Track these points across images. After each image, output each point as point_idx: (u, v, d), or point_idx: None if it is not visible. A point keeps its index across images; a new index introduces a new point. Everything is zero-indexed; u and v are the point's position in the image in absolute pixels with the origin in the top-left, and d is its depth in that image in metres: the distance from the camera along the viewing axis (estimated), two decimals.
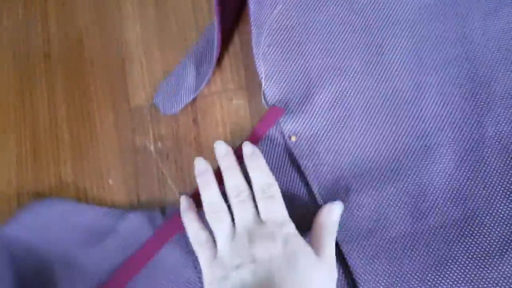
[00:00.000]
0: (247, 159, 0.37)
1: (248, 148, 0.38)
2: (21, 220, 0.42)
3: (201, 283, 0.38)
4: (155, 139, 0.44)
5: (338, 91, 0.42)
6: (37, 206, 0.43)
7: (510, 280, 0.34)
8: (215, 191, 0.37)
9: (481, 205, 0.37)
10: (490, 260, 0.35)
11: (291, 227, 0.34)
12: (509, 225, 0.36)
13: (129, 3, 0.49)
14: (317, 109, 0.42)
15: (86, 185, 0.44)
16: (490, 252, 0.35)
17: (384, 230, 0.38)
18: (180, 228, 0.40)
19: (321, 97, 0.42)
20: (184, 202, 0.38)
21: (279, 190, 0.35)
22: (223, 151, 0.38)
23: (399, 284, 0.36)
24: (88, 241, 0.42)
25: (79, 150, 0.45)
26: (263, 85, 0.42)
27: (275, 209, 0.35)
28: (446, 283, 0.35)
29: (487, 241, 0.36)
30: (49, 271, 0.41)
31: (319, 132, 0.41)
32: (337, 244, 0.37)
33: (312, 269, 0.33)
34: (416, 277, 0.36)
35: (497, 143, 0.39)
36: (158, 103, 0.45)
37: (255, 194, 0.36)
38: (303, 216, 0.38)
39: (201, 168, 0.38)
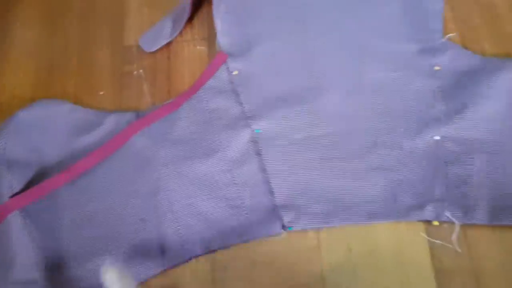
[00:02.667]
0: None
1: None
2: (23, 118, 0.57)
3: (159, 162, 0.55)
4: (138, 67, 0.63)
5: (269, 46, 0.61)
6: (39, 105, 0.59)
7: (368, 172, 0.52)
8: None
9: (354, 124, 0.55)
10: (355, 157, 0.53)
11: None
12: (372, 136, 0.54)
13: None
14: (254, 55, 0.60)
15: (83, 94, 0.62)
16: (356, 153, 0.53)
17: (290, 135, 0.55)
18: (145, 124, 0.57)
19: (258, 48, 0.61)
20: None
21: None
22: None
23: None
24: (80, 131, 0.58)
25: (81, 70, 0.63)
26: (217, 37, 0.61)
27: None
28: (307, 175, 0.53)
29: (356, 145, 0.54)
30: (46, 157, 0.57)
31: (253, 69, 0.60)
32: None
33: None
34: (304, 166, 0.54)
35: (370, 86, 0.57)
36: (143, 44, 0.63)
37: None
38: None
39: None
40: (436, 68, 0.57)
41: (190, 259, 0.51)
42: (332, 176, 0.53)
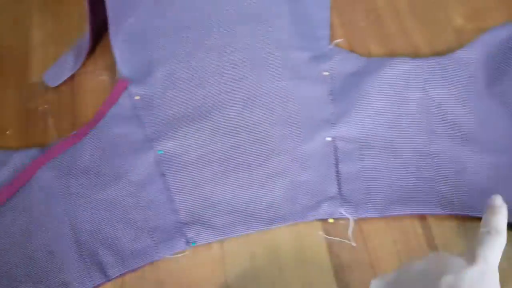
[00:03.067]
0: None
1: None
2: None
3: (66, 193, 0.55)
4: (43, 103, 0.64)
5: (168, 69, 0.63)
6: None
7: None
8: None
9: (252, 134, 0.57)
10: (255, 166, 0.55)
11: None
12: (269, 144, 0.56)
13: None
14: (154, 79, 0.62)
15: None
16: (255, 162, 0.56)
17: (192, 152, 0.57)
18: (50, 158, 0.58)
19: (158, 71, 0.63)
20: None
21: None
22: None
23: None
24: None
25: None
26: (117, 65, 0.63)
27: None
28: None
29: (254, 155, 0.56)
30: None
31: (154, 92, 0.61)
32: None
33: None
34: None
35: (267, 96, 0.59)
36: (47, 79, 0.65)
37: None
38: None
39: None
40: (325, 73, 0.59)
41: (98, 286, 0.51)
42: (234, 187, 0.55)
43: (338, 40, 0.62)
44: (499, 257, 0.34)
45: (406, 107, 0.55)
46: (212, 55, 0.63)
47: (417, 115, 0.54)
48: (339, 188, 0.52)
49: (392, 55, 0.61)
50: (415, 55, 0.60)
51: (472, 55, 0.55)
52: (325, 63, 0.60)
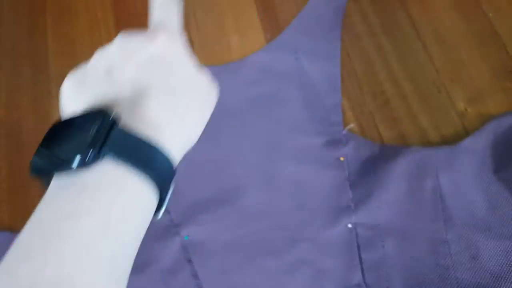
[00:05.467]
0: None
1: None
2: None
3: None
4: None
5: (190, 155, 0.65)
6: None
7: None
8: None
9: (273, 221, 0.60)
10: (278, 253, 0.57)
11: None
12: (291, 231, 0.59)
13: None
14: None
15: (18, 218, 0.64)
16: (279, 249, 0.58)
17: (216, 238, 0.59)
18: None
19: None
20: None
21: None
22: None
23: None
24: None
25: (14, 195, 0.65)
26: None
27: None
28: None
29: (277, 242, 0.58)
30: None
31: (178, 179, 0.63)
32: None
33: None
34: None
35: (285, 181, 0.62)
36: None
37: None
38: None
39: None
40: (341, 158, 0.63)
41: None
42: (259, 274, 0.57)
43: (350, 125, 0.66)
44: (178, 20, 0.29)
45: (421, 195, 0.58)
46: (229, 140, 0.66)
47: (431, 203, 0.58)
48: (363, 276, 0.55)
49: (402, 138, 0.65)
50: (423, 138, 0.64)
51: (479, 144, 0.60)
52: (340, 149, 0.63)
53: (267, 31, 0.75)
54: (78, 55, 0.77)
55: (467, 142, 0.59)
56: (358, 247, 0.57)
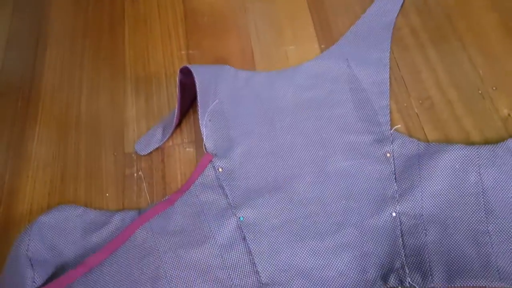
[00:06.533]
0: None
1: None
2: (44, 222, 0.68)
3: (159, 252, 0.64)
4: (137, 170, 0.73)
5: (246, 146, 0.72)
6: (57, 210, 0.69)
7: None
8: None
9: (322, 207, 0.65)
10: (325, 236, 0.62)
11: None
12: (338, 217, 0.64)
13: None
14: (234, 154, 0.72)
15: (92, 197, 0.72)
16: (326, 233, 0.63)
17: (269, 220, 0.65)
18: (146, 220, 0.67)
19: (237, 148, 0.72)
20: None
21: None
22: None
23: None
24: (91, 230, 0.68)
25: (89, 176, 0.74)
26: (204, 140, 0.73)
27: None
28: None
29: (325, 226, 0.63)
30: (64, 255, 0.66)
31: (235, 166, 0.71)
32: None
33: None
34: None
35: (334, 173, 0.68)
36: (138, 148, 0.75)
37: None
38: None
39: None
40: (388, 155, 0.68)
41: None
42: (307, 254, 0.62)
43: (397, 126, 0.71)
44: None
45: (463, 188, 0.62)
46: (284, 136, 0.73)
47: (474, 196, 0.61)
48: (406, 260, 0.59)
49: (446, 140, 0.69)
50: (467, 140, 0.68)
51: None
52: (387, 146, 0.68)
53: (321, 42, 0.82)
54: (150, 60, 0.87)
55: (508, 142, 0.63)
56: (402, 234, 0.61)
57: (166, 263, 0.63)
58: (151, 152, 0.75)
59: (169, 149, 0.75)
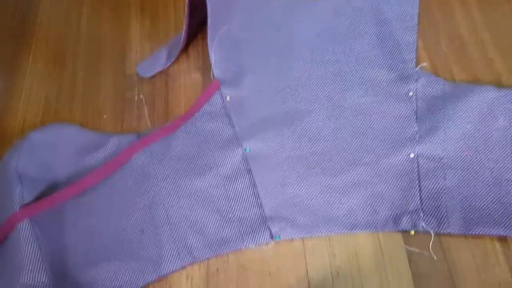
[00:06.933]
0: None
1: None
2: (36, 138, 0.63)
3: (158, 178, 0.60)
4: (138, 93, 0.68)
5: (258, 74, 0.67)
6: (50, 127, 0.65)
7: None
8: None
9: (335, 144, 0.61)
10: (337, 174, 0.58)
11: None
12: (352, 154, 0.59)
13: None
14: (245, 83, 0.66)
15: (88, 118, 0.67)
16: (338, 170, 0.59)
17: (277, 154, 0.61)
18: (146, 144, 0.62)
19: (248, 76, 0.67)
20: None
21: None
22: None
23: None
24: (86, 151, 0.64)
25: (87, 96, 0.69)
26: (212, 66, 0.67)
27: None
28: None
29: (337, 163, 0.59)
30: (55, 174, 0.62)
31: (244, 95, 0.65)
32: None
33: None
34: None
35: (351, 109, 0.63)
36: (140, 71, 0.70)
37: None
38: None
39: None
40: (411, 93, 0.62)
41: (185, 266, 0.55)
42: (316, 191, 0.58)
43: (423, 64, 0.65)
44: None
45: (490, 133, 0.57)
46: (299, 66, 0.67)
47: (500, 142, 0.57)
48: (421, 203, 0.55)
49: (475, 81, 0.63)
50: (498, 83, 0.63)
51: None
52: (411, 84, 0.63)
53: None
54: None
55: None
56: (419, 176, 0.57)
57: (164, 190, 0.59)
58: (154, 76, 0.70)
59: (174, 73, 0.70)
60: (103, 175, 0.60)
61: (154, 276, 0.54)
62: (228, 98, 0.66)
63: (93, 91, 0.70)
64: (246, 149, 0.61)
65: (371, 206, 0.56)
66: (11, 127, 0.68)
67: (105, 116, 0.67)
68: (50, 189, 0.59)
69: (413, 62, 0.65)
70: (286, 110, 0.64)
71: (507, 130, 0.57)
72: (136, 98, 0.68)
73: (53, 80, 0.72)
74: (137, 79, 0.70)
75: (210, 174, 0.60)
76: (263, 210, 0.57)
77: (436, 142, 0.58)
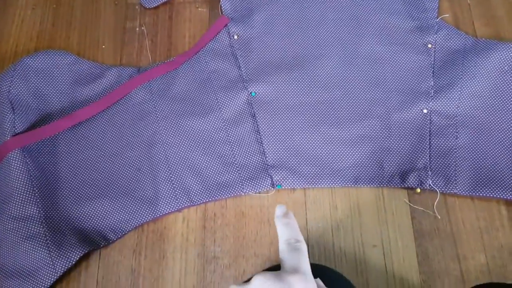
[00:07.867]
0: (279, 217, 0.34)
1: (281, 209, 0.34)
2: (29, 64, 0.59)
3: (157, 116, 0.57)
4: (140, 24, 0.64)
5: (269, 13, 0.63)
6: (45, 54, 0.60)
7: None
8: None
9: (346, 93, 0.57)
10: (345, 125, 0.55)
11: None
12: (362, 105, 0.57)
13: None
14: (254, 22, 0.62)
15: (86, 46, 0.63)
16: (347, 121, 0.56)
17: (284, 100, 0.58)
18: (146, 79, 0.59)
19: (258, 14, 0.62)
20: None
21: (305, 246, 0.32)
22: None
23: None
24: (83, 82, 0.60)
25: (85, 23, 0.65)
26: (221, 1, 0.62)
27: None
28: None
29: (346, 114, 0.56)
30: (49, 103, 0.58)
31: (253, 35, 0.61)
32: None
33: None
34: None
35: (365, 57, 0.59)
36: (142, 0, 0.65)
37: (281, 247, 0.32)
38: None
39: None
40: (429, 45, 0.59)
41: (182, 209, 0.53)
42: (322, 141, 0.56)
43: (445, 15, 0.61)
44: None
45: (509, 93, 0.55)
46: (313, 7, 0.63)
47: None
48: (430, 161, 0.53)
49: (498, 37, 0.60)
50: None
51: None
52: (430, 36, 0.59)
53: None
54: None
55: None
56: (430, 133, 0.55)
57: (164, 128, 0.57)
58: (157, 6, 0.65)
59: (178, 6, 0.65)
60: (100, 108, 0.57)
61: (149, 216, 0.53)
62: (235, 36, 0.62)
63: (92, 18, 0.65)
64: (251, 93, 0.58)
65: (378, 160, 0.54)
66: (2, 51, 0.64)
67: (103, 47, 0.63)
68: (44, 119, 0.56)
69: (435, 12, 0.61)
70: (297, 54, 0.60)
71: None
72: (137, 29, 0.64)
73: (49, 2, 0.67)
74: (139, 9, 0.65)
75: (212, 116, 0.57)
76: (266, 158, 0.55)
77: (451, 98, 0.56)
